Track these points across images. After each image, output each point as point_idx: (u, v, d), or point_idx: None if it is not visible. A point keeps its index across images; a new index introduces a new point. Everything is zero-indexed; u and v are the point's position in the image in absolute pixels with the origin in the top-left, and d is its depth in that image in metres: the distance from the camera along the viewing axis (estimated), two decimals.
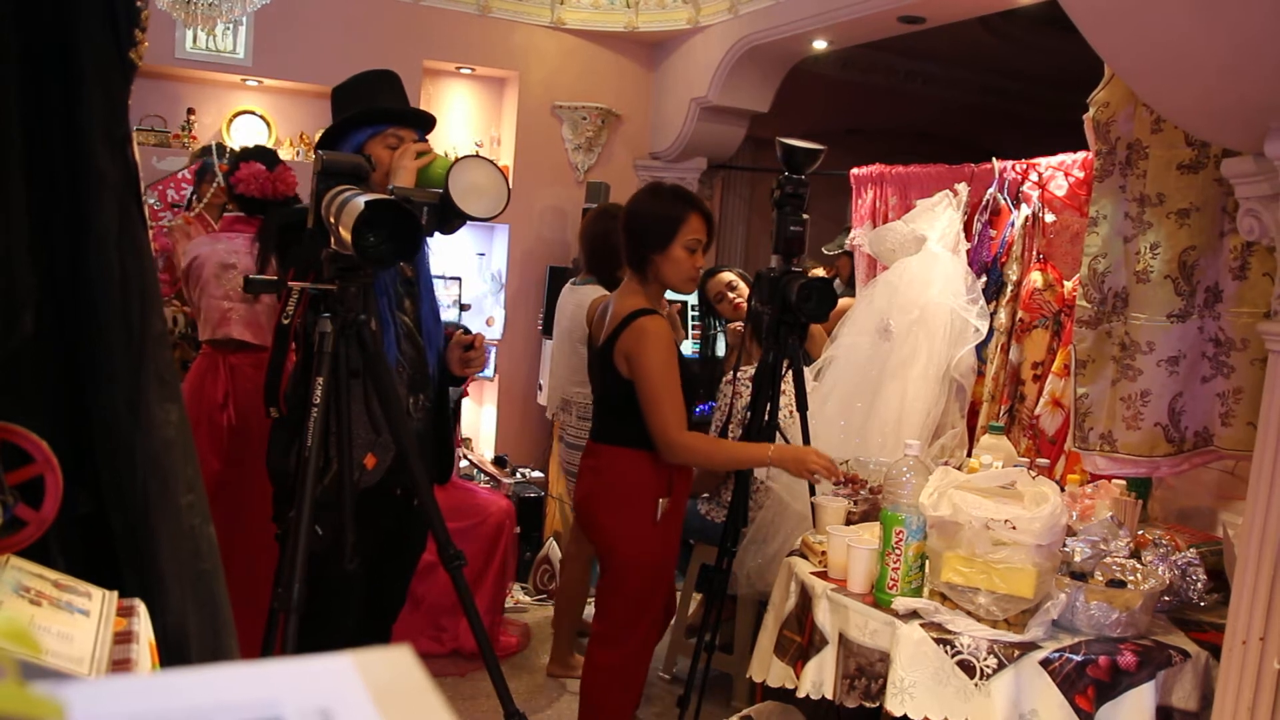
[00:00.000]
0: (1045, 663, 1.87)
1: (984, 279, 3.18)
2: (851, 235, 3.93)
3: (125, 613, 1.20)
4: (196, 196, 3.65)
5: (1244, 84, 1.64)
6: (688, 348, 4.49)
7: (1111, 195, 2.32)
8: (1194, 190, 2.15)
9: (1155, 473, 2.35)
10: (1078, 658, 1.87)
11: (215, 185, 3.45)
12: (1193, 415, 2.23)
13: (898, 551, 2.04)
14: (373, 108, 2.28)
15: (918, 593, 2.05)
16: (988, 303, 3.12)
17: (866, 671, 2.03)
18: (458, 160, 2.04)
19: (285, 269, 2.20)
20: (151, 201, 3.93)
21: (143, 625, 1.20)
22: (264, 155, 3.20)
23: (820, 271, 4.13)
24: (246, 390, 3.03)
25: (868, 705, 2.04)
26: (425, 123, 2.38)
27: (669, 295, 2.71)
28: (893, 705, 1.92)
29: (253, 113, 4.78)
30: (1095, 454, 2.32)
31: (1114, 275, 2.31)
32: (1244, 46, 1.57)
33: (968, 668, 1.89)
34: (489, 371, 4.69)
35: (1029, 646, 1.89)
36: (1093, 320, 2.34)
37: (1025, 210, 3.16)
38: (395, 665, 0.43)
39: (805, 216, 2.74)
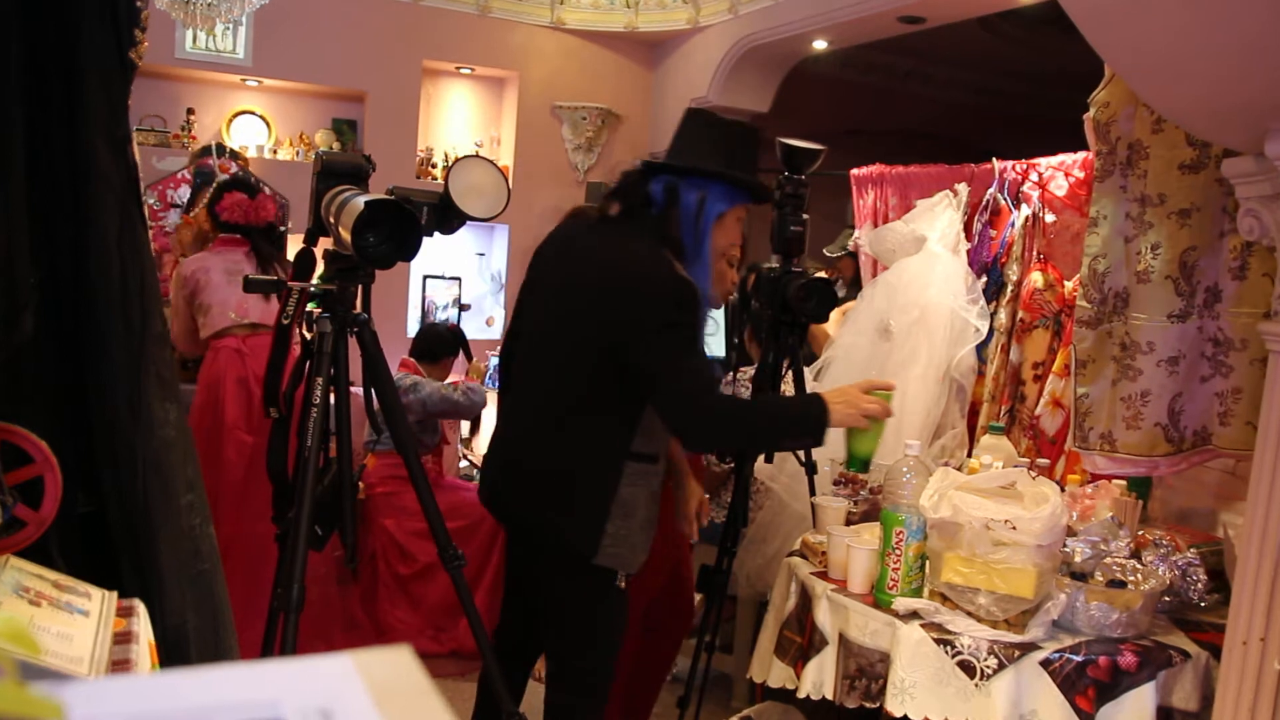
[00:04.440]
0: (1045, 663, 1.87)
1: (984, 279, 3.18)
2: (855, 235, 3.93)
3: (125, 613, 1.20)
4: (193, 202, 3.70)
5: (1244, 85, 1.64)
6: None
7: (1112, 195, 2.32)
8: (1195, 190, 2.15)
9: (1154, 472, 2.35)
10: (1078, 658, 1.87)
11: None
12: (1191, 415, 2.23)
13: (898, 552, 2.04)
14: (754, 181, 2.08)
15: (918, 593, 2.05)
16: (988, 303, 3.13)
17: (867, 672, 2.03)
18: (457, 160, 2.04)
19: None
20: (151, 201, 3.93)
21: (142, 625, 1.20)
22: (245, 185, 3.42)
23: (821, 274, 4.12)
24: None
25: (868, 706, 2.04)
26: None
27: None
28: (893, 706, 1.92)
29: (252, 113, 4.78)
30: (1095, 454, 2.32)
31: (1114, 275, 2.30)
32: (1244, 47, 1.57)
33: (968, 668, 1.89)
34: (497, 383, 4.71)
35: (1029, 647, 1.89)
36: (1093, 320, 2.34)
37: (1025, 210, 3.16)
38: (395, 665, 0.43)
39: (805, 216, 2.74)
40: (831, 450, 2.94)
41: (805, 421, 1.97)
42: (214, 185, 3.54)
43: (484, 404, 3.81)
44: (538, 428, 2.05)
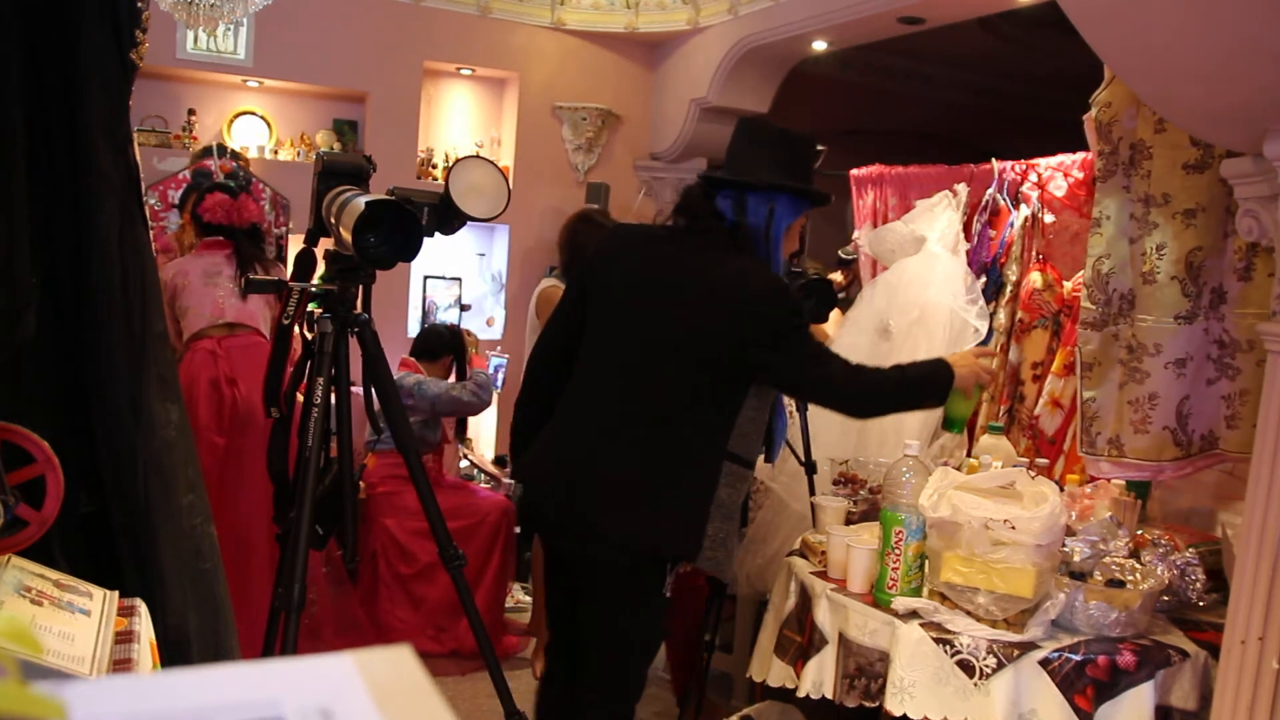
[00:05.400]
0: (1044, 662, 1.87)
1: (983, 279, 3.18)
2: (855, 236, 3.93)
3: (126, 612, 1.20)
4: (182, 205, 3.72)
5: (1239, 85, 1.64)
6: None
7: (1115, 196, 2.31)
8: (1200, 190, 2.14)
9: (1159, 476, 2.34)
10: (1077, 657, 1.88)
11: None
12: (1198, 418, 2.21)
13: (897, 551, 2.04)
14: (815, 190, 2.14)
15: (917, 593, 2.05)
16: (987, 303, 3.13)
17: (866, 671, 2.03)
18: (458, 161, 2.04)
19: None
20: (152, 202, 3.93)
21: (144, 625, 1.20)
22: (226, 187, 3.52)
23: (838, 276, 4.11)
24: (249, 364, 3.21)
25: (867, 705, 2.05)
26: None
27: None
28: (892, 705, 1.92)
29: (253, 113, 4.79)
30: (1102, 459, 2.31)
31: (1119, 276, 2.30)
32: (1238, 48, 1.57)
33: (967, 667, 1.89)
34: (498, 383, 4.71)
35: (1028, 646, 1.89)
36: (1098, 322, 2.33)
37: (1024, 211, 3.16)
38: (395, 665, 0.43)
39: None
40: (830, 450, 2.95)
41: (935, 382, 2.10)
42: (197, 190, 3.56)
43: (490, 402, 3.80)
44: (628, 431, 2.02)
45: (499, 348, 4.95)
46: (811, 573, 2.28)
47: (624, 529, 1.99)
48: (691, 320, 2.00)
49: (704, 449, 2.02)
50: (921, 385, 2.11)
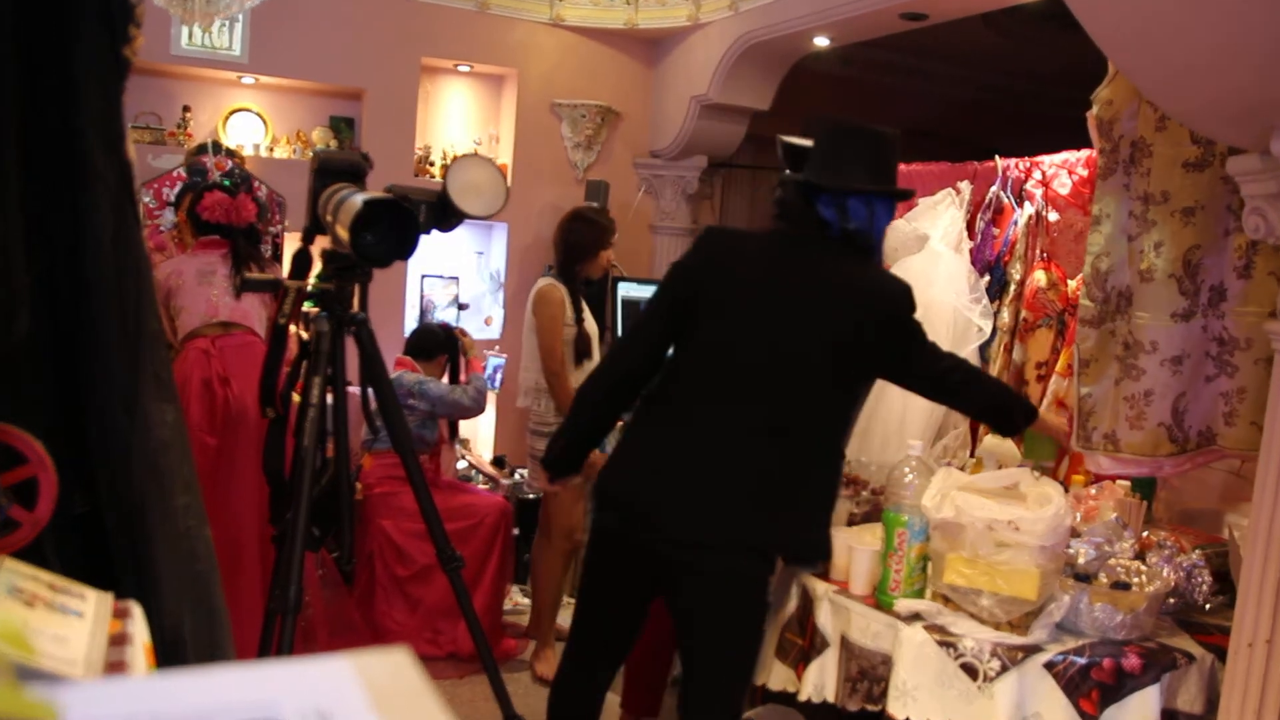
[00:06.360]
0: (1049, 665, 1.86)
1: (987, 278, 3.16)
2: None
3: (120, 615, 1.18)
4: (176, 206, 3.70)
5: (1235, 77, 1.63)
6: None
7: (1115, 194, 2.31)
8: (1199, 188, 2.14)
9: (1158, 472, 2.34)
10: (1082, 660, 1.86)
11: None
12: (1195, 415, 2.21)
13: (900, 553, 2.03)
14: (902, 190, 2.22)
15: (920, 595, 2.04)
16: (991, 302, 3.11)
17: (869, 674, 2.02)
18: (455, 158, 2.03)
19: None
20: (146, 200, 3.91)
21: (138, 627, 1.18)
22: (225, 187, 3.52)
23: None
24: (242, 363, 3.19)
25: (870, 708, 2.03)
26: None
27: None
28: (895, 708, 1.91)
29: (249, 110, 4.76)
30: (1099, 454, 2.30)
31: (1117, 274, 2.29)
32: (1233, 38, 1.56)
33: (971, 670, 1.88)
34: (496, 383, 4.70)
35: (1032, 649, 1.88)
36: (1096, 319, 2.33)
37: (1029, 209, 3.14)
38: (393, 667, 0.43)
39: None
40: None
41: (1020, 405, 2.33)
42: (195, 189, 3.55)
43: (484, 408, 3.80)
44: (751, 437, 1.97)
45: (497, 347, 4.93)
46: (813, 574, 2.26)
47: (755, 537, 1.95)
48: (825, 326, 2.01)
49: (828, 452, 2.05)
50: (1013, 399, 2.35)
